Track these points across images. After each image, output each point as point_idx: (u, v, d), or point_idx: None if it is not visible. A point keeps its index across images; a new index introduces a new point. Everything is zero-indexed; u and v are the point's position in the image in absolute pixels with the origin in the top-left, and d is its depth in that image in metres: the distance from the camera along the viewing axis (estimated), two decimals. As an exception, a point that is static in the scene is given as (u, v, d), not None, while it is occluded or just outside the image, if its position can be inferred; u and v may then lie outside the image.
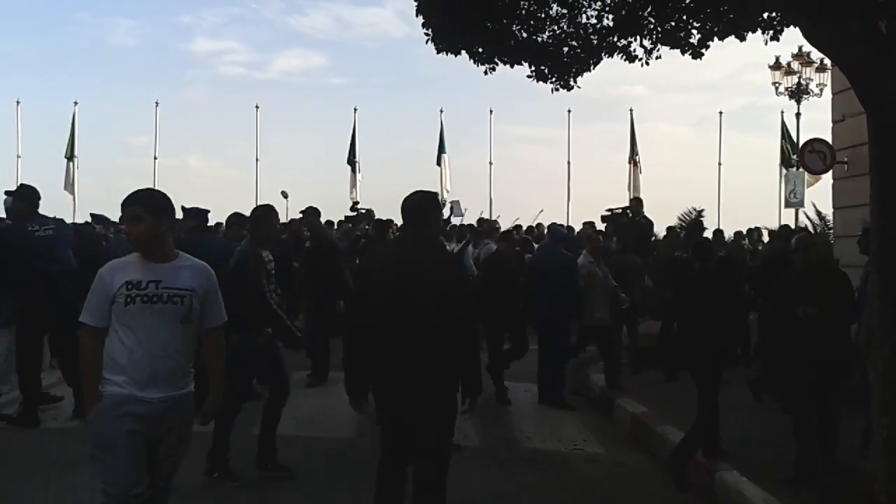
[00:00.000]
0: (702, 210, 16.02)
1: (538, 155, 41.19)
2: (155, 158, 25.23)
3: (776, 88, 21.48)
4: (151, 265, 3.62)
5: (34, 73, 39.71)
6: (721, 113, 26.75)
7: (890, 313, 5.15)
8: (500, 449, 7.01)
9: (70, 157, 23.66)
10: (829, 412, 5.91)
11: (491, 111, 25.93)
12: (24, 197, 7.48)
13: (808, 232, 12.00)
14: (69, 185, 23.59)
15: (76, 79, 40.14)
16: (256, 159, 25.39)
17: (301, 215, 10.58)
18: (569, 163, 25.93)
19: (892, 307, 5.16)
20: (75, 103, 24.09)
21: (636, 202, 13.41)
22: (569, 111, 25.58)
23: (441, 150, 25.00)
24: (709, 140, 45.43)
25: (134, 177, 39.98)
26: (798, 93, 21.31)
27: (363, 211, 14.52)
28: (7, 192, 7.96)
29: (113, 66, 41.16)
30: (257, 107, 25.58)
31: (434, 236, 4.54)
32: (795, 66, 21.27)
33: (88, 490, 4.29)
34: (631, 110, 25.73)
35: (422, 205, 4.36)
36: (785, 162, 24.08)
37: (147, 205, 3.65)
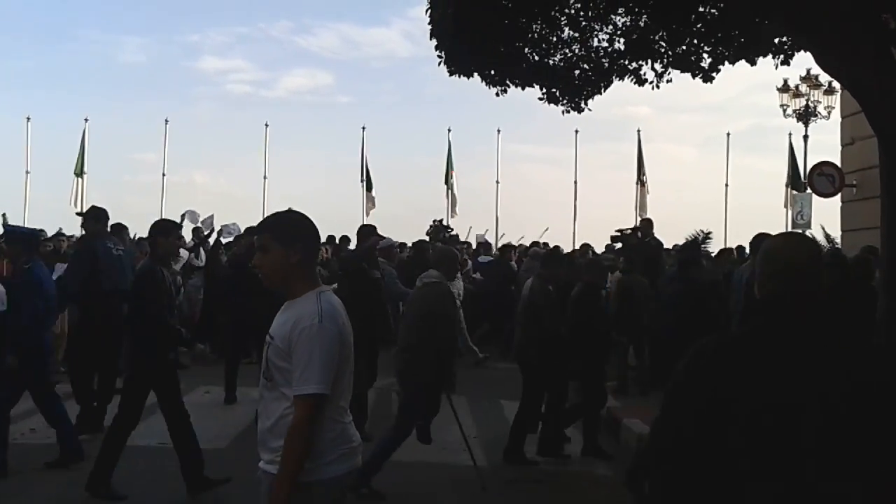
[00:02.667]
0: (709, 232, 15.94)
1: (545, 174, 41.19)
2: (163, 175, 25.29)
3: (784, 111, 21.50)
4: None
5: (44, 89, 39.95)
6: (728, 134, 26.74)
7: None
8: (507, 469, 7.00)
9: (79, 173, 23.74)
10: None
11: (498, 130, 25.99)
12: (100, 218, 7.98)
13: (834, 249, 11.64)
14: (77, 202, 23.66)
15: (85, 96, 40.28)
16: (265, 177, 25.43)
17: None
18: (575, 182, 25.91)
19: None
20: (86, 120, 24.18)
21: (646, 223, 13.39)
22: (576, 131, 25.61)
23: (449, 168, 25.05)
24: (714, 161, 45.48)
25: (142, 193, 40.27)
26: (806, 115, 21.32)
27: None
28: (78, 214, 8.60)
29: (122, 83, 41.38)
30: (266, 125, 25.66)
31: None
32: (804, 88, 21.29)
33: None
34: (639, 131, 25.76)
35: None
36: (792, 184, 24.06)
37: (273, 231, 3.01)
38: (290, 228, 3.00)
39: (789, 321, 2.19)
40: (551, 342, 7.04)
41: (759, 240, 7.42)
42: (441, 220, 20.24)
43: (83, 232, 8.54)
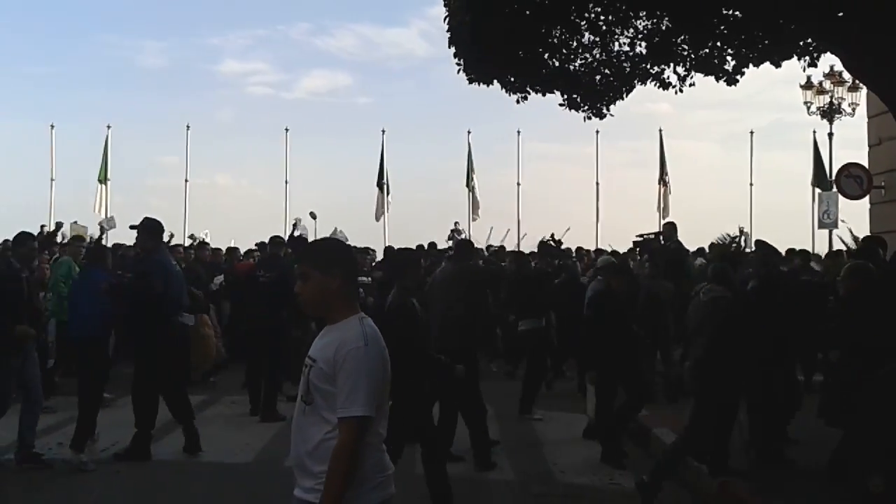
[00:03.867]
0: (735, 237, 15.73)
1: (566, 174, 41.00)
2: (186, 180, 25.42)
3: (808, 108, 21.22)
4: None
5: (67, 95, 40.27)
6: (752, 132, 26.44)
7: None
8: (534, 482, 6.92)
9: (103, 180, 23.90)
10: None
11: (519, 132, 25.88)
12: (156, 231, 7.69)
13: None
14: (100, 207, 23.81)
15: (107, 101, 40.65)
16: (286, 181, 25.49)
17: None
18: (597, 183, 25.75)
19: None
20: (108, 127, 24.33)
21: (669, 227, 13.21)
22: (597, 131, 25.42)
23: (469, 171, 24.98)
24: (735, 157, 45.09)
25: (164, 197, 40.46)
26: (830, 112, 21.03)
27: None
28: (132, 227, 8.13)
29: (142, 87, 41.71)
30: (287, 129, 25.71)
31: None
32: (827, 85, 21.02)
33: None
34: (660, 130, 25.55)
35: None
36: (817, 182, 23.76)
37: (312, 259, 3.06)
38: (328, 256, 3.06)
39: None
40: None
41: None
42: (458, 223, 20.22)
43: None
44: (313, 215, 17.35)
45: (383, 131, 25.12)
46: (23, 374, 6.90)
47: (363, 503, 2.82)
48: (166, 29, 45.10)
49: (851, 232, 15.60)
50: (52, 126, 24.54)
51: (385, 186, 24.74)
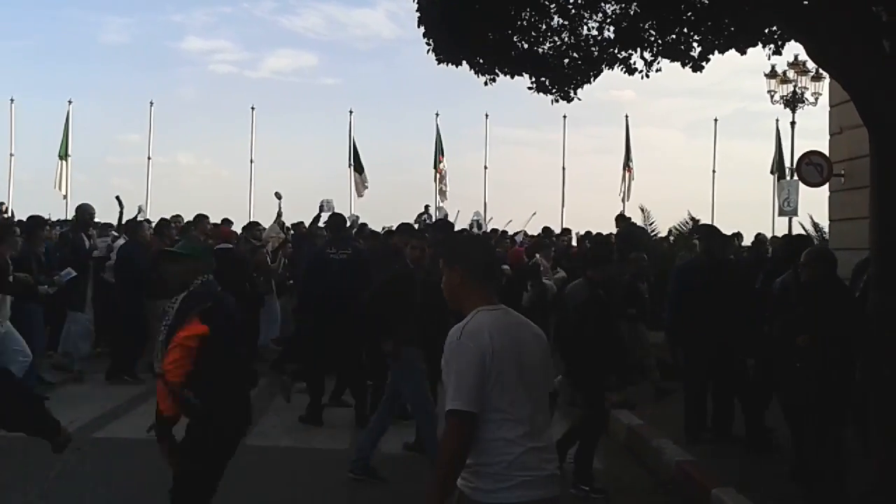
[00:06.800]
0: (697, 220, 16.00)
1: (533, 159, 41.23)
2: (149, 158, 25.06)
3: (771, 97, 21.54)
4: None
5: (27, 70, 39.54)
6: (716, 120, 26.80)
7: (890, 334, 5.16)
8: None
9: (64, 156, 23.48)
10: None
11: (487, 115, 25.93)
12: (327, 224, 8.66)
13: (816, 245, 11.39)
14: (61, 184, 23.39)
15: (69, 76, 39.99)
16: (251, 160, 25.26)
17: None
18: (563, 168, 25.91)
19: (892, 327, 5.17)
20: (69, 102, 23.93)
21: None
22: (564, 116, 25.59)
23: (438, 153, 24.95)
24: (699, 145, 45.61)
25: (127, 175, 39.90)
26: (793, 101, 21.36)
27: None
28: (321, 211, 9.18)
29: (104, 62, 41.04)
30: (253, 108, 25.46)
31: None
32: (791, 74, 21.32)
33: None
34: (627, 116, 25.83)
35: None
36: (778, 170, 24.14)
37: (442, 254, 3.18)
38: (452, 251, 3.13)
39: None
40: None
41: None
42: (428, 206, 20.20)
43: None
44: (278, 195, 17.18)
45: (351, 112, 25.03)
46: None
47: (501, 499, 2.77)
48: (129, 4, 44.45)
49: (812, 218, 15.91)
50: (12, 100, 24.11)
51: (359, 166, 24.61)
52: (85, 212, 11.23)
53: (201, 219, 12.64)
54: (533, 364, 2.89)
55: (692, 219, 16.22)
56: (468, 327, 2.84)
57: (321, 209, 12.95)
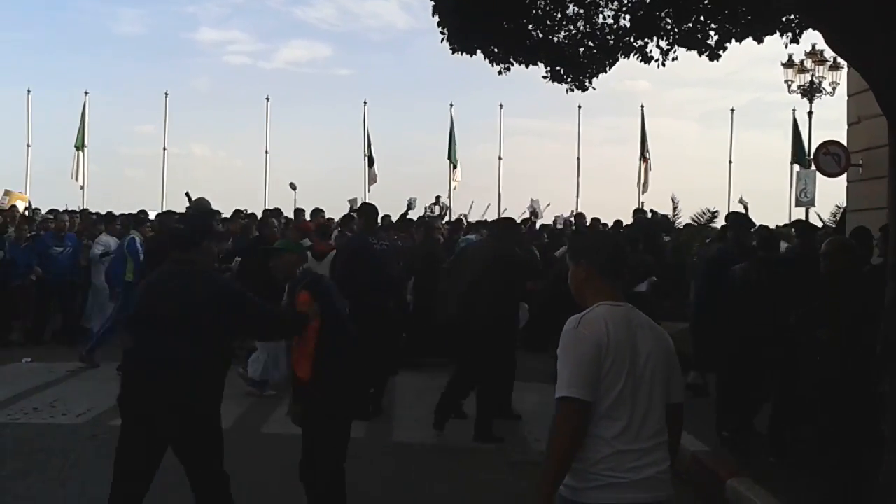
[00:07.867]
0: (716, 211, 15.84)
1: (547, 149, 41.09)
2: (164, 148, 25.19)
3: (788, 86, 21.36)
4: None
5: (44, 61, 39.77)
6: (732, 110, 26.60)
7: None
8: (510, 451, 7.00)
9: (80, 146, 23.61)
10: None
11: (501, 105, 25.85)
12: (363, 213, 8.54)
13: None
14: (77, 174, 23.54)
15: (85, 67, 40.16)
16: (266, 151, 25.32)
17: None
18: (578, 158, 25.82)
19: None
20: (86, 93, 24.06)
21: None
22: (579, 106, 25.49)
23: (452, 144, 24.88)
24: (714, 135, 45.30)
25: (141, 166, 40.10)
26: (811, 91, 21.18)
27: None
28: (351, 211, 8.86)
29: (119, 54, 41.21)
30: (268, 99, 25.50)
31: None
32: (808, 64, 21.13)
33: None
34: (642, 106, 25.64)
35: None
36: (796, 160, 23.93)
37: (569, 248, 3.25)
38: (578, 246, 3.13)
39: None
40: None
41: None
42: (440, 196, 20.18)
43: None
44: (293, 186, 17.25)
45: (365, 102, 25.01)
46: None
47: (590, 499, 2.68)
48: (141, -5, 44.55)
49: (839, 209, 15.74)
50: (29, 91, 24.24)
51: (370, 158, 24.63)
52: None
53: (298, 213, 13.31)
54: (648, 365, 2.79)
55: (709, 210, 16.06)
56: (587, 317, 2.78)
57: (409, 206, 13.52)
